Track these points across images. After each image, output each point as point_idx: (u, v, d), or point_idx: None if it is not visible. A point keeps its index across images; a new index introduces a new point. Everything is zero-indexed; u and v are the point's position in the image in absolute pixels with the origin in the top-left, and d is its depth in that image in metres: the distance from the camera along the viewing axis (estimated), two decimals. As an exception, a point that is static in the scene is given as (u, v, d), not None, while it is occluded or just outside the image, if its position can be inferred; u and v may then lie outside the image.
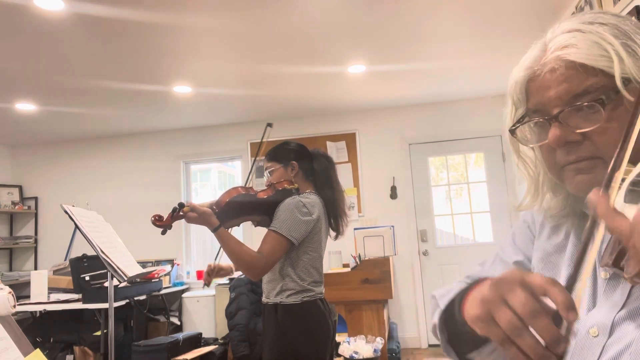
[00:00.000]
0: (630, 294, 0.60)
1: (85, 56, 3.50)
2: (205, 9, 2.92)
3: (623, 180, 0.51)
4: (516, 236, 0.85)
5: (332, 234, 2.14)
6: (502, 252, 0.86)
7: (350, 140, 5.39)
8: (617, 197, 0.50)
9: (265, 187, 2.03)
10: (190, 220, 1.79)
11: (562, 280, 0.70)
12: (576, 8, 3.00)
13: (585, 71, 0.62)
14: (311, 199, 1.99)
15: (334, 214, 2.11)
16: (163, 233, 1.81)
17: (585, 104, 0.62)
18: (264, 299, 2.02)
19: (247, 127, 5.57)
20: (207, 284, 2.00)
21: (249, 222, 2.03)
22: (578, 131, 0.63)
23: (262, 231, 1.92)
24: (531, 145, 0.72)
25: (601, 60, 0.61)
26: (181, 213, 1.77)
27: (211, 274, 2.02)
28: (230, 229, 1.92)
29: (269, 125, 2.14)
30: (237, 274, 4.94)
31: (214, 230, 1.80)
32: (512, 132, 0.72)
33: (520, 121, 0.71)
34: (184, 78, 4.06)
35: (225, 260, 2.04)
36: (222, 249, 1.88)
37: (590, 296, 0.65)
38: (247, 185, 2.05)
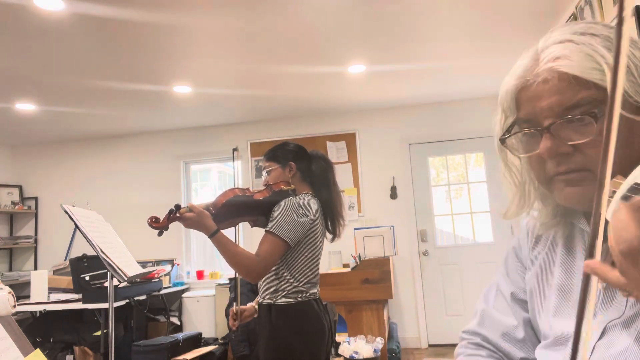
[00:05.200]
0: (627, 303, 0.62)
1: (85, 56, 3.50)
2: (205, 9, 2.92)
3: (613, 193, 0.51)
4: (508, 266, 0.87)
5: (329, 236, 2.12)
6: (499, 284, 0.87)
7: (350, 140, 5.39)
8: (608, 210, 0.50)
9: (263, 188, 2.02)
10: (186, 222, 1.76)
11: (551, 307, 0.74)
12: (576, 8, 3.00)
13: (578, 83, 0.62)
14: (308, 200, 1.98)
15: (331, 216, 2.09)
16: (159, 235, 1.79)
17: (578, 116, 0.62)
18: (259, 299, 2.02)
19: (247, 127, 5.58)
20: (235, 328, 2.02)
21: (247, 223, 2.03)
22: (570, 143, 0.63)
23: (261, 231, 1.92)
24: (520, 155, 0.72)
25: (593, 73, 0.61)
26: (177, 214, 1.75)
27: (236, 318, 2.03)
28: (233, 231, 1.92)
29: (235, 150, 2.20)
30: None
31: (211, 235, 1.78)
32: (503, 141, 0.72)
33: (509, 130, 0.71)
34: (184, 78, 4.06)
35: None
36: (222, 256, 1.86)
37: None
38: (242, 187, 2.04)
